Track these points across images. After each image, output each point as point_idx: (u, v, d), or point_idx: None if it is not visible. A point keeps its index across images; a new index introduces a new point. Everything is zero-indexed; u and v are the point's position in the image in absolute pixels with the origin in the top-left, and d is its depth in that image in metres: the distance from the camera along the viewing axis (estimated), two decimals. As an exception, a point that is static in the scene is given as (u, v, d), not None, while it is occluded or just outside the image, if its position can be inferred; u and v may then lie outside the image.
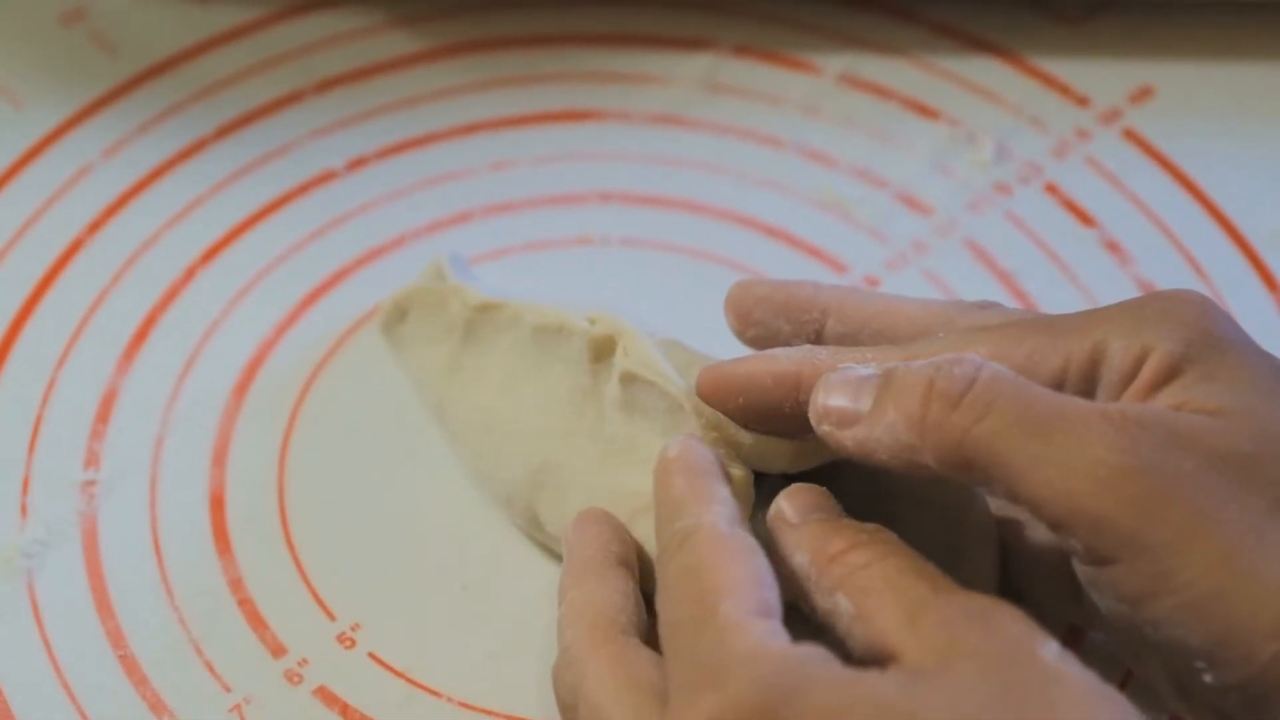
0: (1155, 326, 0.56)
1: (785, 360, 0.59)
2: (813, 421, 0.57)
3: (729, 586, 0.53)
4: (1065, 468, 0.53)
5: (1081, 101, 0.79)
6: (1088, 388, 0.57)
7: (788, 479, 0.60)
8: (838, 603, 0.54)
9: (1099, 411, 0.54)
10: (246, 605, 0.65)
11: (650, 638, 0.56)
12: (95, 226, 0.75)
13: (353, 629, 0.64)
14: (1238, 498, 0.52)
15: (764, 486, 0.60)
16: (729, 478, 0.58)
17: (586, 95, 0.79)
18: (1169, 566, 0.52)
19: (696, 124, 0.79)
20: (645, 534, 0.60)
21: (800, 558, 0.56)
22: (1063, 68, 0.80)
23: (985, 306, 0.62)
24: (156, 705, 0.62)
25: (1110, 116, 0.79)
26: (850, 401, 0.56)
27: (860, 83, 0.80)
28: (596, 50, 0.81)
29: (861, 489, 0.61)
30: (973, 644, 0.50)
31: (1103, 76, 0.80)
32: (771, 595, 0.53)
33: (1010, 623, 0.51)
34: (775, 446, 0.60)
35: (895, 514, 0.62)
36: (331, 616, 0.65)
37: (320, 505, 0.67)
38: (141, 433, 0.69)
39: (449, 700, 0.63)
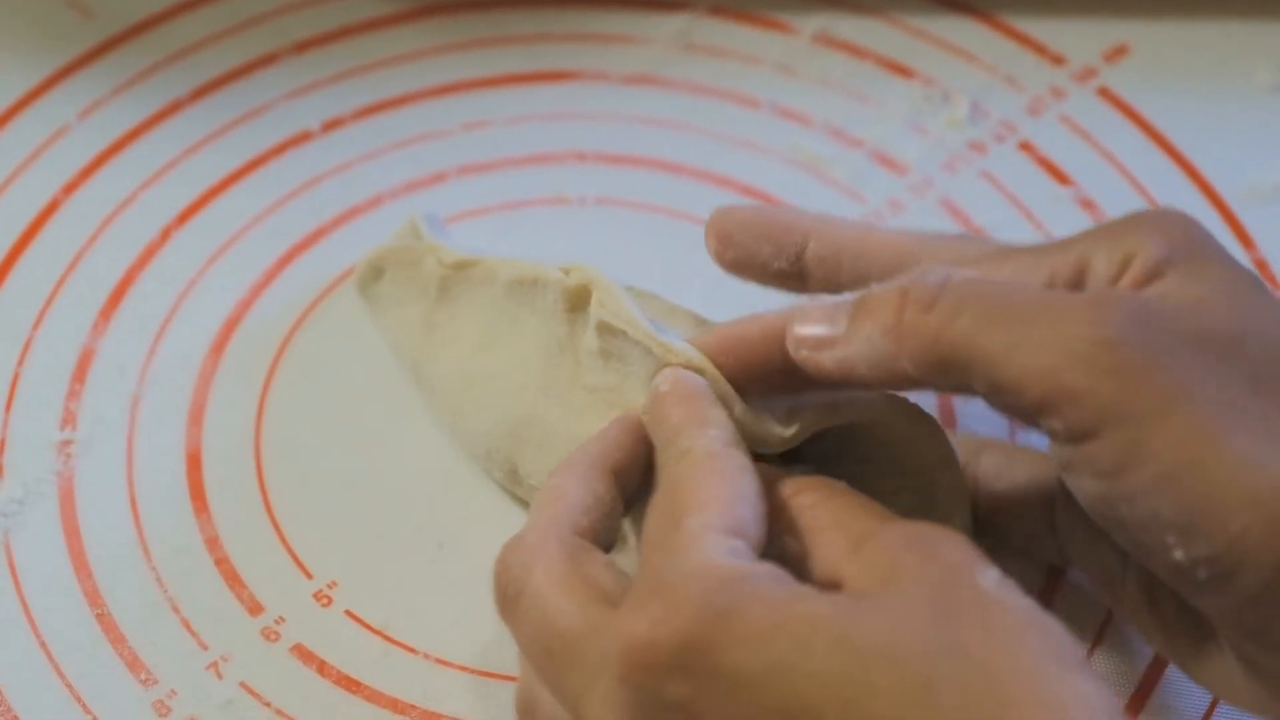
0: (1138, 236, 0.57)
1: (770, 315, 0.59)
2: (790, 351, 0.57)
3: (702, 502, 0.53)
4: (1043, 347, 0.53)
5: (1056, 60, 0.80)
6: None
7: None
8: (786, 544, 0.54)
9: (1076, 295, 0.54)
10: (223, 564, 0.65)
11: (618, 550, 0.57)
12: (71, 188, 0.75)
13: (329, 587, 0.65)
14: (1216, 374, 0.53)
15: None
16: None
17: (562, 55, 0.79)
18: (1146, 436, 0.52)
19: (672, 84, 0.79)
20: None
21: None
22: (1037, 26, 0.80)
23: (965, 239, 0.62)
24: (134, 663, 0.63)
25: (1085, 75, 0.79)
26: (826, 326, 0.57)
27: (835, 42, 0.80)
28: (572, 10, 0.80)
29: (837, 454, 0.61)
30: (913, 569, 0.51)
31: (1077, 35, 0.80)
32: (748, 513, 0.53)
33: (951, 549, 0.51)
34: (759, 427, 0.60)
35: (871, 476, 0.63)
36: (308, 575, 0.65)
37: (297, 464, 0.67)
38: (118, 392, 0.69)
39: (425, 657, 0.63)
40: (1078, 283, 0.57)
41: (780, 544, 0.54)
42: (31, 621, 0.64)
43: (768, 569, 0.52)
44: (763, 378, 0.59)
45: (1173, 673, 0.62)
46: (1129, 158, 0.77)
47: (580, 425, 0.62)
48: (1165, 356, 0.52)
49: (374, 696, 0.62)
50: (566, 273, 0.63)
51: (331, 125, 0.77)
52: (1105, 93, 0.79)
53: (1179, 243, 0.56)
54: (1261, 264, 0.73)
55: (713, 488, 0.54)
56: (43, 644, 0.63)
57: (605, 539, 0.57)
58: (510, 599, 0.55)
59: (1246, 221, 0.75)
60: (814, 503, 0.55)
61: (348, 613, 0.64)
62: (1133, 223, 0.58)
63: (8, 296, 0.72)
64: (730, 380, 0.59)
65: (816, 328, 0.57)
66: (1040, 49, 0.80)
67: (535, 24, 0.80)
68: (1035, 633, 0.49)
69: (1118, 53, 0.80)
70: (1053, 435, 0.54)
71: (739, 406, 0.60)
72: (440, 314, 0.67)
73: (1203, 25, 0.81)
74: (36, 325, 0.71)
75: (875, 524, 0.53)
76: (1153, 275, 0.56)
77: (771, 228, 0.63)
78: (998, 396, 0.54)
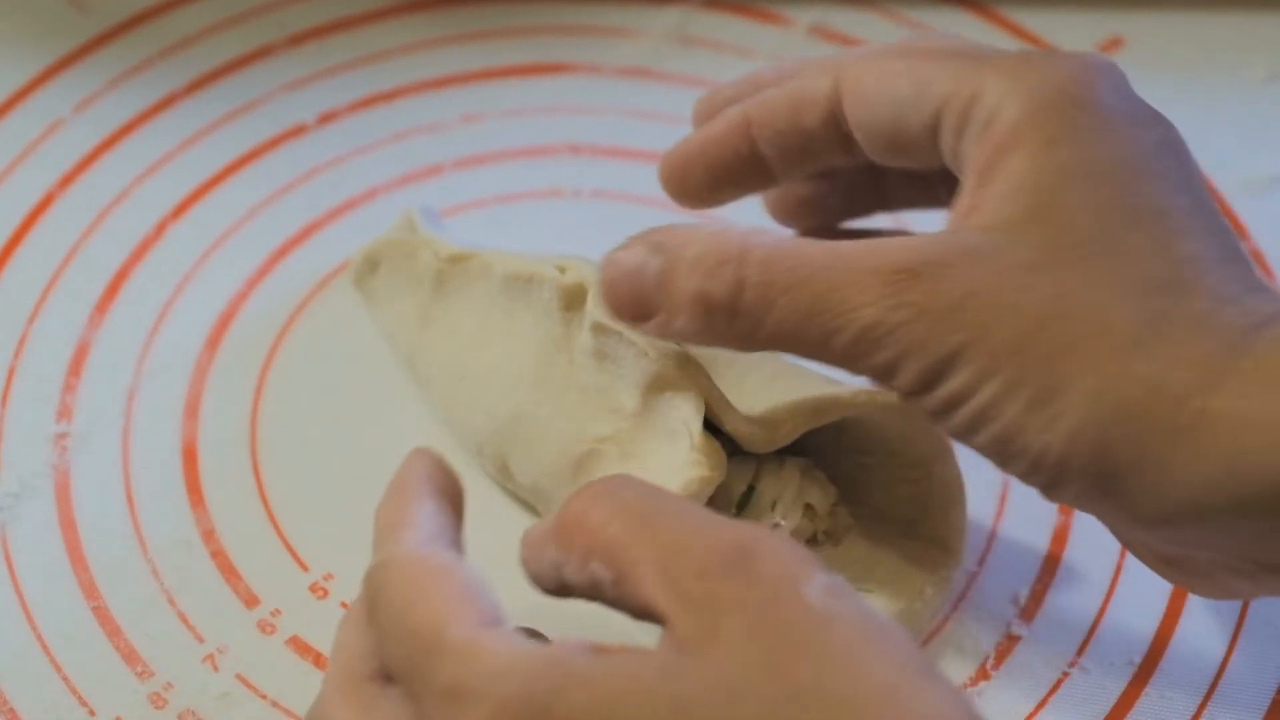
0: (1018, 82, 0.56)
1: (727, 108, 0.61)
2: (611, 311, 0.58)
3: (444, 608, 0.49)
4: (848, 333, 0.54)
5: (1051, 52, 0.80)
6: (960, 127, 0.57)
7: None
8: (595, 572, 0.50)
9: (870, 270, 0.54)
10: (219, 556, 0.65)
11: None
12: (67, 181, 0.75)
13: (325, 579, 0.65)
14: (1011, 309, 0.53)
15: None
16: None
17: (557, 48, 0.79)
18: (965, 380, 0.53)
19: (667, 76, 0.79)
20: (602, 472, 0.61)
21: (550, 550, 0.51)
22: (1031, 18, 0.81)
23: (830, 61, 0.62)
24: (130, 656, 0.63)
25: (1080, 67, 0.79)
26: (637, 309, 0.57)
27: (831, 34, 0.80)
28: (567, 3, 0.81)
29: (833, 447, 0.62)
30: (734, 596, 0.47)
31: (1071, 27, 0.80)
32: (488, 603, 0.49)
33: (769, 560, 0.48)
34: (748, 428, 0.60)
35: (867, 468, 0.63)
36: (304, 567, 0.65)
37: (292, 457, 0.68)
38: (114, 386, 0.69)
39: (421, 649, 0.63)
40: (965, 120, 0.56)
41: (588, 574, 0.50)
42: (28, 615, 0.64)
43: (568, 645, 0.48)
44: (737, 179, 0.61)
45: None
46: None
47: (570, 425, 0.62)
48: (961, 304, 0.53)
49: (370, 689, 0.62)
50: (562, 270, 0.63)
51: (326, 118, 0.77)
52: (1100, 85, 0.79)
53: (1051, 100, 0.55)
54: (1257, 255, 0.74)
55: (442, 591, 0.50)
56: (39, 637, 0.63)
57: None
58: None
59: (1241, 213, 0.75)
60: (607, 519, 0.50)
61: (344, 605, 0.64)
62: (1029, 64, 0.57)
63: (3, 290, 0.72)
64: (707, 199, 0.61)
65: (629, 305, 0.57)
66: (1034, 41, 0.80)
67: (530, 17, 0.80)
68: (874, 647, 0.47)
69: (1112, 45, 0.80)
70: (902, 394, 0.55)
71: (729, 409, 0.60)
72: (436, 307, 0.67)
73: (1197, 18, 0.81)
74: (32, 319, 0.71)
75: (683, 538, 0.49)
76: (1011, 142, 0.55)
77: (744, 90, 0.63)
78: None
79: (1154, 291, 0.53)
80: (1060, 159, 0.55)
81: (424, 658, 0.48)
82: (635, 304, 0.57)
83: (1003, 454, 0.54)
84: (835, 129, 0.60)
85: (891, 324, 0.53)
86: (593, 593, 0.50)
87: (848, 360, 0.55)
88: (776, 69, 0.63)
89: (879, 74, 0.58)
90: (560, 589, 0.51)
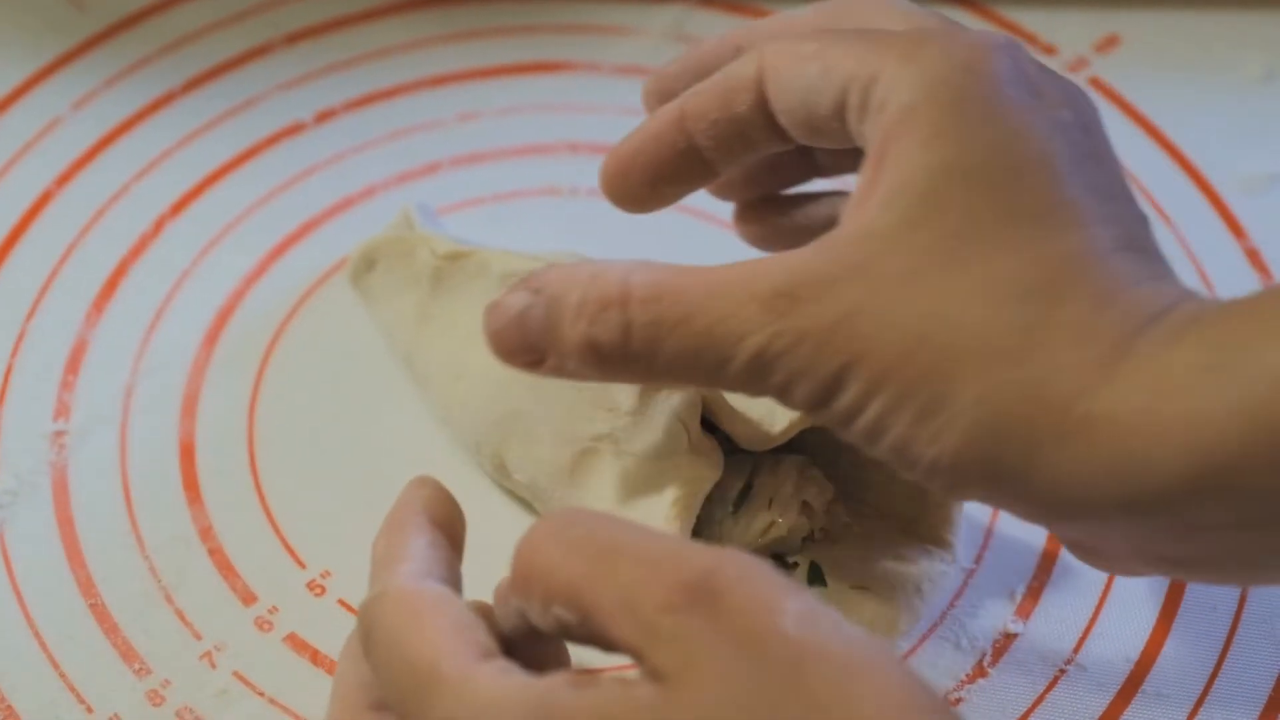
0: (911, 66, 0.55)
1: (657, 106, 0.61)
2: (502, 358, 0.57)
3: (437, 642, 0.49)
4: (738, 362, 0.53)
5: (1048, 50, 0.80)
6: (861, 110, 0.56)
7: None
8: (559, 616, 0.49)
9: (749, 297, 0.54)
10: (217, 554, 0.65)
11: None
12: (65, 179, 0.75)
13: (323, 576, 0.65)
14: (889, 325, 0.53)
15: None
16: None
17: (554, 46, 0.79)
18: (853, 398, 0.53)
19: (664, 74, 0.79)
20: (599, 471, 0.61)
21: (513, 600, 0.51)
22: (1029, 17, 0.81)
23: (790, 16, 0.61)
24: (127, 653, 0.63)
25: (1077, 65, 0.79)
26: (527, 355, 0.56)
27: (828, 33, 0.80)
28: (564, 2, 0.81)
29: (828, 442, 0.62)
30: (703, 629, 0.46)
31: (1069, 25, 0.80)
32: (481, 635, 0.50)
33: (737, 590, 0.47)
34: (748, 427, 0.60)
35: (862, 465, 0.63)
36: (301, 564, 0.65)
37: (290, 454, 0.68)
38: (111, 383, 0.69)
39: (418, 646, 0.63)
40: (865, 103, 0.56)
41: (552, 618, 0.49)
42: (25, 612, 0.64)
43: (562, 679, 0.48)
44: (679, 173, 0.61)
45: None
46: (1120, 147, 0.75)
47: (567, 423, 0.62)
48: (841, 319, 0.53)
49: (367, 686, 0.62)
50: (559, 268, 0.63)
51: (324, 116, 0.77)
52: (1096, 83, 0.79)
53: (934, 90, 0.55)
54: (1254, 253, 0.74)
55: (435, 624, 0.50)
56: (36, 634, 0.63)
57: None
58: None
59: (1238, 212, 0.75)
60: (560, 560, 0.49)
61: (341, 602, 0.64)
62: (923, 46, 0.56)
63: (1, 288, 0.72)
64: (647, 198, 0.61)
65: (516, 346, 0.56)
66: (1031, 39, 0.80)
67: (527, 15, 0.80)
68: (860, 684, 0.45)
69: (1109, 43, 0.80)
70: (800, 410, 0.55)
71: (726, 408, 0.60)
72: (433, 305, 0.67)
73: (1194, 16, 0.81)
74: (30, 316, 0.71)
75: (643, 575, 0.48)
76: (896, 133, 0.54)
77: (701, 66, 0.63)
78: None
79: (1028, 296, 0.52)
80: (941, 154, 0.54)
81: (418, 692, 0.49)
82: (525, 351, 0.56)
83: (900, 463, 0.54)
84: (764, 113, 0.59)
85: (776, 351, 0.53)
86: (563, 634, 0.50)
87: (743, 387, 0.54)
88: (715, 43, 0.63)
89: (793, 57, 0.58)
90: (532, 635, 0.51)
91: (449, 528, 0.56)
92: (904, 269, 0.53)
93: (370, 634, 0.51)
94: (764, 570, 0.48)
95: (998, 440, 0.52)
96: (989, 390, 0.52)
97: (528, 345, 0.56)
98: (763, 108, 0.59)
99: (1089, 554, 0.56)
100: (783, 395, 0.54)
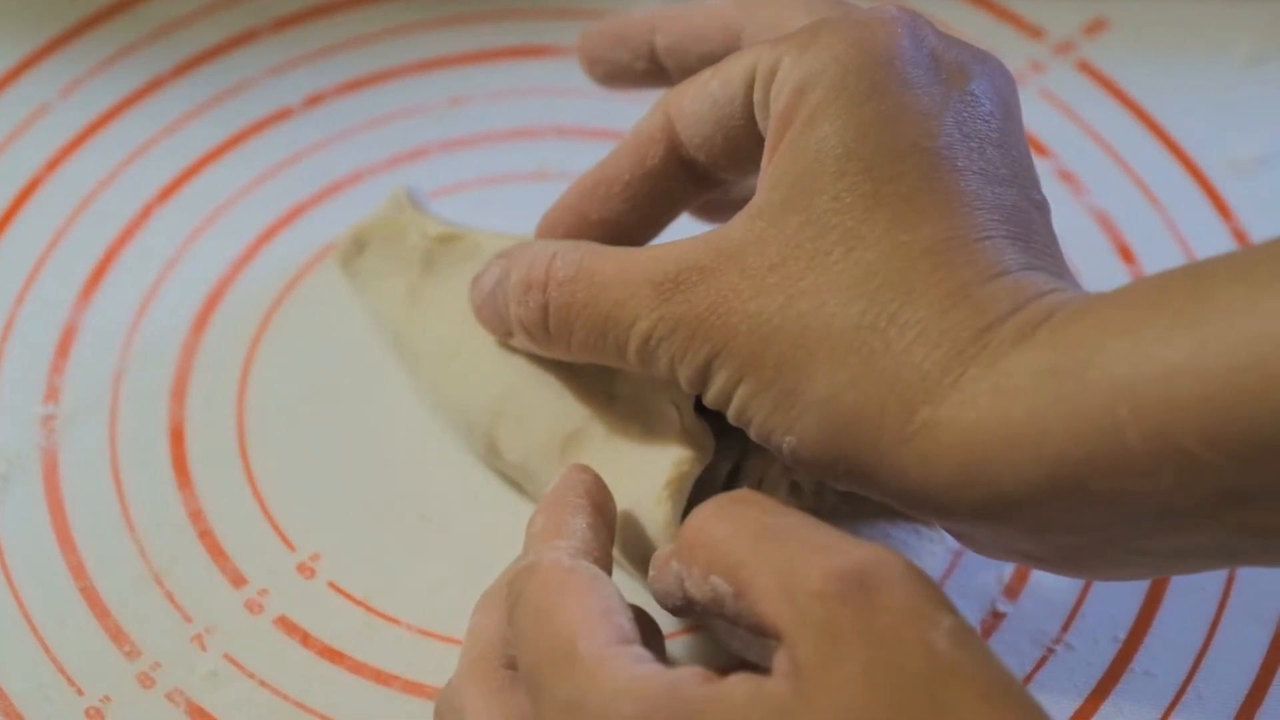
0: (804, 52, 0.55)
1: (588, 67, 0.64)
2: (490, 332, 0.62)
3: (580, 621, 0.50)
4: (633, 345, 0.56)
5: (1036, 34, 0.80)
6: (764, 102, 0.56)
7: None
8: (716, 586, 0.50)
9: (645, 281, 0.55)
10: (207, 537, 0.65)
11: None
12: (53, 165, 0.75)
13: (312, 559, 0.65)
14: (751, 316, 0.54)
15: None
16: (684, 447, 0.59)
17: (543, 30, 0.79)
18: (721, 385, 0.55)
19: (653, 59, 0.79)
20: (591, 452, 0.61)
21: (673, 565, 0.52)
22: (1019, 1, 0.81)
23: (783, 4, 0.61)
24: (118, 636, 0.63)
25: (1064, 48, 0.79)
26: (499, 328, 0.61)
27: (816, 17, 0.80)
28: (553, -14, 0.81)
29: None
30: (853, 623, 0.46)
31: (1057, 9, 0.80)
32: (625, 621, 0.50)
33: (893, 591, 0.47)
34: None
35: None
36: (291, 547, 0.65)
37: (279, 437, 0.68)
38: (101, 367, 0.69)
39: (408, 628, 0.63)
40: (767, 89, 0.56)
41: (709, 588, 0.50)
42: (16, 595, 0.64)
43: (691, 672, 0.48)
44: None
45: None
46: (1108, 130, 0.77)
47: (560, 403, 0.62)
48: (721, 310, 0.54)
49: (357, 667, 0.62)
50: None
51: (312, 101, 0.77)
52: (1085, 66, 0.79)
53: (819, 72, 0.55)
54: (1241, 235, 0.74)
55: (583, 604, 0.51)
56: (27, 617, 0.63)
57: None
58: None
59: (1226, 194, 0.75)
60: (730, 532, 0.50)
61: (331, 584, 0.64)
62: (820, 31, 0.56)
63: (-10, 272, 0.72)
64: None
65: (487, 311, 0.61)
66: (1019, 22, 0.80)
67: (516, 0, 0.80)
68: (1000, 712, 0.45)
69: (1097, 26, 0.80)
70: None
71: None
72: (425, 287, 0.67)
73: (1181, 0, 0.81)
74: (19, 301, 0.71)
75: (803, 555, 0.48)
76: (785, 121, 0.55)
77: (625, 33, 0.63)
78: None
79: (880, 292, 0.52)
80: (819, 134, 0.54)
81: (552, 667, 0.50)
82: (496, 323, 0.61)
83: (772, 451, 0.55)
84: (678, 160, 0.59)
85: (659, 336, 0.55)
86: (714, 607, 0.50)
87: (641, 368, 0.57)
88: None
89: (692, 85, 0.58)
90: (684, 604, 0.52)
91: (607, 515, 0.57)
92: (771, 259, 0.53)
93: (518, 600, 0.52)
94: (925, 579, 0.47)
95: (846, 438, 0.52)
96: (836, 389, 0.52)
97: (498, 318, 0.60)
98: (675, 154, 0.59)
99: (961, 539, 0.56)
100: (670, 378, 0.56)
